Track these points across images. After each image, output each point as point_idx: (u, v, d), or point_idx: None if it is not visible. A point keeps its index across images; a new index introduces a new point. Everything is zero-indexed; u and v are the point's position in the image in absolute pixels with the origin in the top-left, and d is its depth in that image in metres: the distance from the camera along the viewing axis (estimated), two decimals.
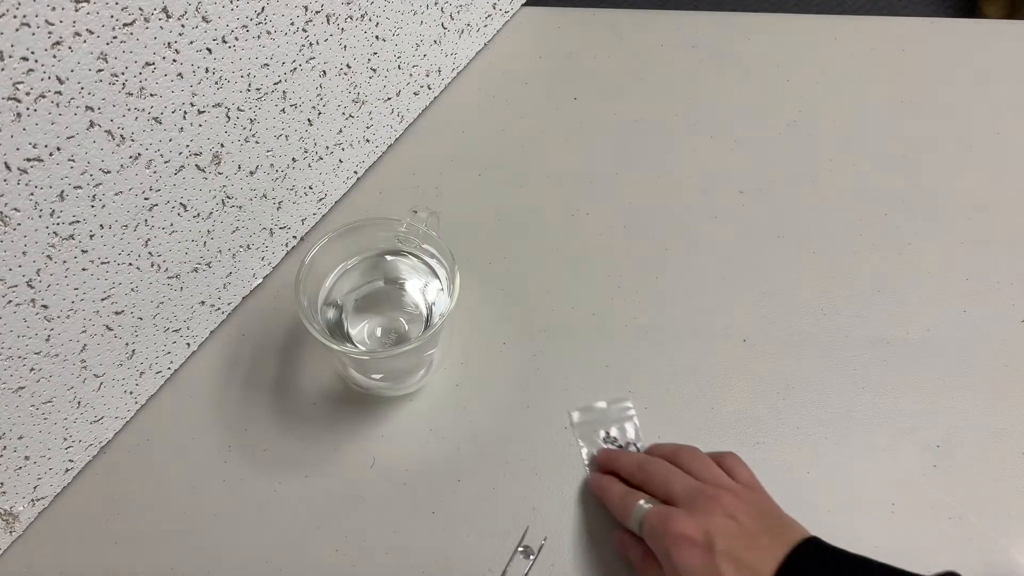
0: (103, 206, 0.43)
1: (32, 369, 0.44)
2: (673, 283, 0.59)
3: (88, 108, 0.39)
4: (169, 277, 0.50)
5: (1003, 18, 1.70)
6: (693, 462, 0.46)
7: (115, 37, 0.39)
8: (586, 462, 0.52)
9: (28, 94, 0.36)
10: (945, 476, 0.51)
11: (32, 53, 0.36)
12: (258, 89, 0.50)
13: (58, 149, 0.39)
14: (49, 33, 0.36)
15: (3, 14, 0.34)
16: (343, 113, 0.59)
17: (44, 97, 0.37)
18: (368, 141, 0.64)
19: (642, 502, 0.44)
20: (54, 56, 0.37)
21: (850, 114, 0.69)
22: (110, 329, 0.48)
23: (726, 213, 0.63)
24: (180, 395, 0.55)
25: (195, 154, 0.47)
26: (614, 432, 0.53)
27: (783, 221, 0.63)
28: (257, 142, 0.52)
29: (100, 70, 0.39)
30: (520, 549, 0.40)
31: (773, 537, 0.40)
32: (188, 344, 0.56)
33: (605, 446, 0.52)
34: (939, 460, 0.52)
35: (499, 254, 0.61)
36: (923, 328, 0.57)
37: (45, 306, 0.43)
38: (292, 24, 0.50)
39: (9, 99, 0.36)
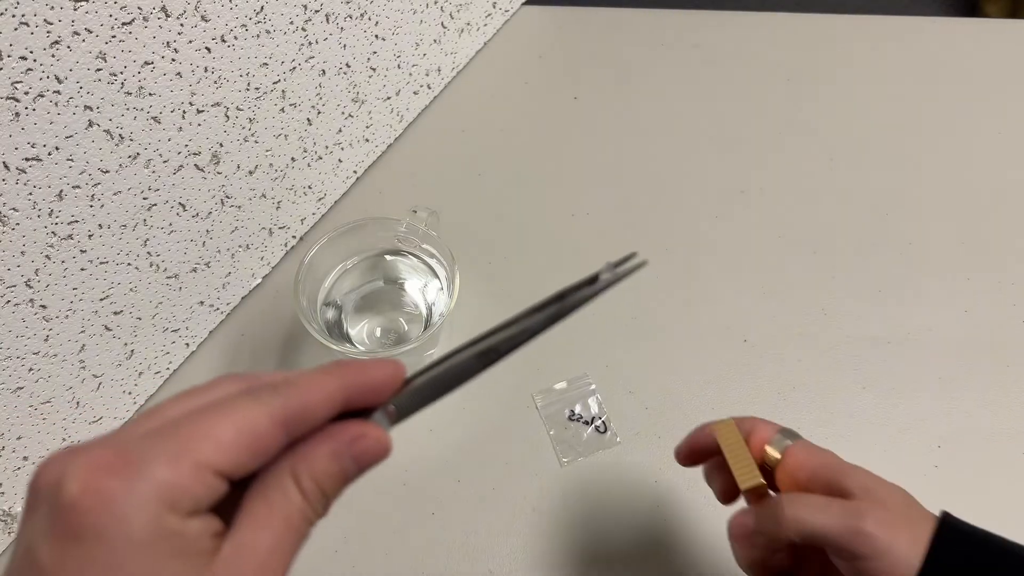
0: (102, 206, 0.43)
1: (31, 369, 0.44)
2: (673, 283, 0.59)
3: (87, 107, 0.39)
4: (168, 277, 0.50)
5: (1004, 17, 1.69)
6: None
7: (114, 36, 0.39)
8: (555, 445, 0.52)
9: (27, 93, 0.36)
10: (946, 476, 0.51)
11: (31, 52, 0.36)
12: (257, 88, 0.49)
13: (57, 148, 0.39)
14: (48, 32, 0.36)
15: (2, 13, 0.34)
16: (342, 112, 0.59)
17: (43, 96, 0.37)
18: (368, 140, 0.64)
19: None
20: (53, 55, 0.37)
21: (850, 114, 0.69)
22: (109, 329, 0.48)
23: (726, 213, 0.63)
24: None
25: (194, 153, 0.47)
26: (578, 409, 0.53)
27: (783, 221, 0.63)
28: (256, 141, 0.52)
29: (99, 69, 0.39)
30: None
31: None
32: (187, 344, 0.55)
33: (572, 423, 0.52)
34: (940, 460, 0.52)
35: (499, 254, 0.61)
36: (924, 328, 0.57)
37: (44, 306, 0.43)
38: (291, 23, 0.50)
39: (8, 99, 0.36)
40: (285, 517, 0.22)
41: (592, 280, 0.28)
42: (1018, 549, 0.33)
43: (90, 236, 0.43)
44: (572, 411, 0.53)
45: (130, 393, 0.52)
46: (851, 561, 0.32)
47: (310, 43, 0.52)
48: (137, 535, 0.19)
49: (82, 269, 0.44)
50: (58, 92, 0.38)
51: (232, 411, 0.22)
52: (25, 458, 0.47)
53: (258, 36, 0.48)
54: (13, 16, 0.34)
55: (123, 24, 0.39)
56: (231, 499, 0.22)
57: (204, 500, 0.21)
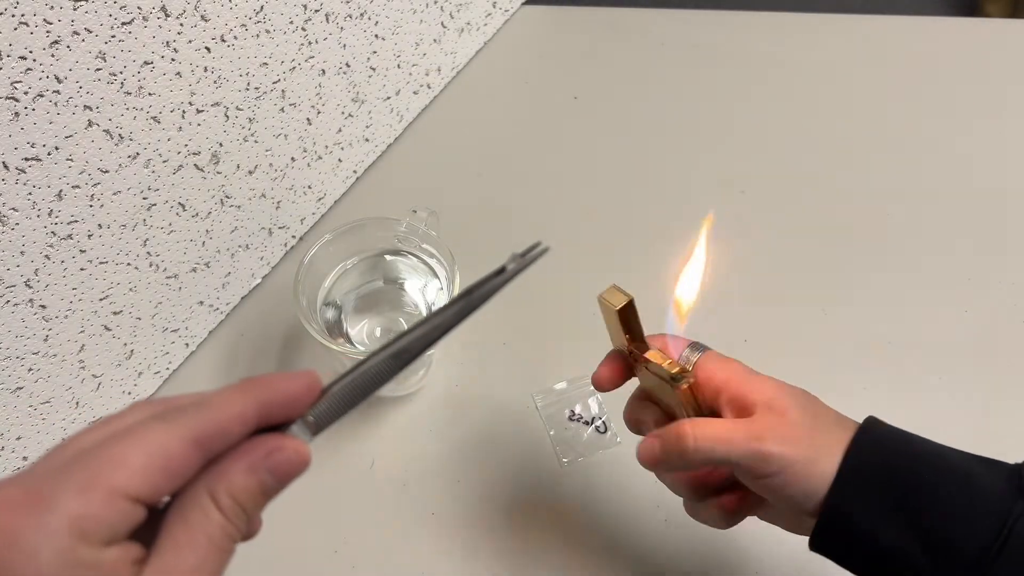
0: (101, 205, 0.43)
1: (30, 369, 0.44)
2: (673, 283, 0.59)
3: (86, 107, 0.39)
4: (167, 277, 0.50)
5: (1005, 17, 1.69)
6: None
7: (113, 36, 0.39)
8: (554, 445, 0.52)
9: (26, 93, 0.36)
10: None
11: (30, 52, 0.36)
12: (257, 88, 0.49)
13: (56, 148, 0.39)
14: (47, 32, 0.36)
15: (1, 13, 0.34)
16: (342, 112, 0.59)
17: (42, 96, 0.37)
18: (367, 140, 0.64)
19: None
20: (52, 55, 0.36)
21: (850, 114, 0.69)
22: (108, 329, 0.48)
23: (726, 213, 0.63)
24: None
25: (194, 153, 0.47)
26: (578, 409, 0.53)
27: (783, 221, 0.63)
28: (256, 141, 0.52)
29: (99, 69, 0.39)
30: None
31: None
32: (187, 344, 0.55)
33: (572, 423, 0.52)
34: None
35: (499, 254, 0.61)
36: (924, 328, 0.57)
37: (43, 306, 0.43)
38: (291, 23, 0.49)
39: (7, 98, 0.36)
40: (207, 536, 0.22)
41: (499, 272, 0.29)
42: (936, 450, 0.34)
43: (90, 236, 0.43)
44: (572, 411, 0.53)
45: (129, 393, 0.52)
46: (757, 480, 0.32)
47: (310, 43, 0.52)
48: (48, 569, 0.19)
49: (81, 269, 0.44)
50: (58, 92, 0.38)
51: (142, 436, 0.22)
52: (25, 458, 0.47)
53: (258, 36, 0.48)
54: (13, 16, 0.34)
55: (123, 24, 0.39)
56: (154, 524, 0.22)
57: (119, 528, 0.21)
